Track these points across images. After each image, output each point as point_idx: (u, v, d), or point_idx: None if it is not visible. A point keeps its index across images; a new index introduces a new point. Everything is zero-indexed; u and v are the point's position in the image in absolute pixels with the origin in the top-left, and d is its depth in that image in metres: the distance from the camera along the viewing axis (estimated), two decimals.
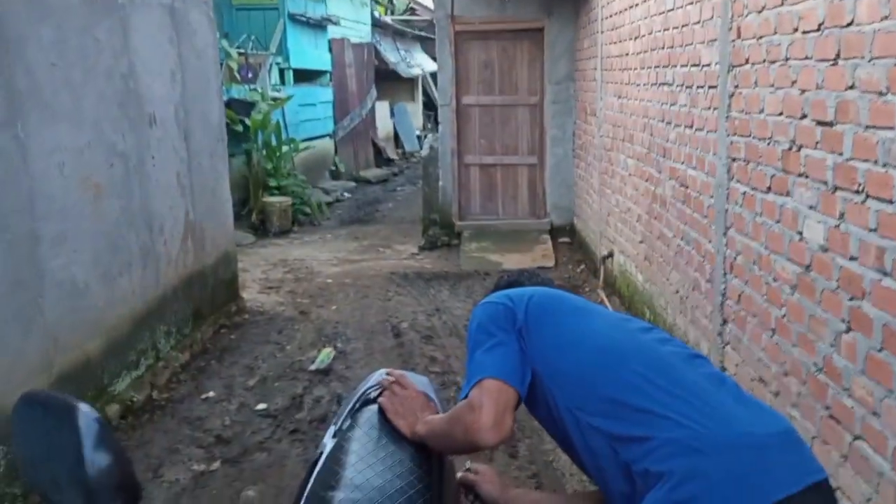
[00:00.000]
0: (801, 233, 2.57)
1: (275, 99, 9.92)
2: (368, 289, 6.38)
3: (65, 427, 0.99)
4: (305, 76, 12.12)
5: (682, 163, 3.94)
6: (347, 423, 1.54)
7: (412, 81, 18.02)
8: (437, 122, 8.56)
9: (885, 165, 2.05)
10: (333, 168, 13.10)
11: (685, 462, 1.19)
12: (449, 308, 5.75)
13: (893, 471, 2.00)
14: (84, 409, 1.00)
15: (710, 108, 3.49)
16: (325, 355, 4.64)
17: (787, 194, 2.67)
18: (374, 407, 1.59)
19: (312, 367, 4.56)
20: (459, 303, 5.84)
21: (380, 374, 1.85)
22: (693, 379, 1.32)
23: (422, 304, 5.88)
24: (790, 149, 2.64)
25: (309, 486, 1.35)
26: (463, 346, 4.93)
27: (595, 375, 1.36)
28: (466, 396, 1.41)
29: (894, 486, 1.98)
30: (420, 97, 18.83)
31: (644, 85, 4.72)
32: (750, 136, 3.00)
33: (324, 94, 12.81)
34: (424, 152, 8.25)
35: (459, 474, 1.63)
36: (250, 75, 9.72)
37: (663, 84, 4.28)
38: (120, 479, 0.98)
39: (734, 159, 3.19)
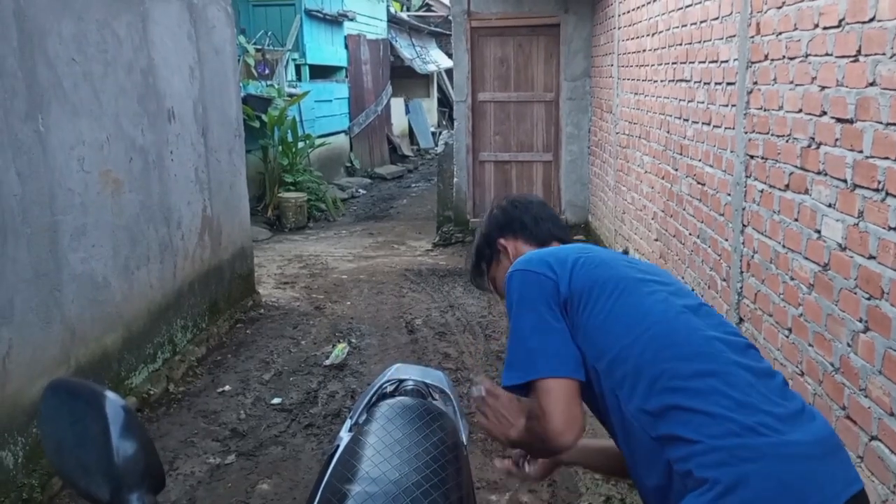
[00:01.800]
0: (819, 231, 2.55)
1: (291, 95, 9.97)
2: (383, 285, 6.40)
3: (92, 414, 1.01)
4: (321, 72, 12.16)
5: (700, 160, 3.92)
6: (364, 417, 1.55)
7: (427, 78, 18.04)
8: (452, 119, 8.56)
9: None
10: (349, 164, 13.15)
11: (732, 471, 1.17)
12: (462, 304, 5.76)
13: None
14: (111, 396, 1.01)
15: (728, 104, 3.47)
16: (340, 350, 4.66)
17: (806, 192, 2.65)
18: (391, 401, 1.59)
19: (327, 362, 4.58)
20: (473, 299, 5.85)
21: (395, 370, 1.86)
22: (744, 377, 1.27)
23: (436, 301, 5.89)
24: (809, 146, 2.62)
25: (325, 478, 1.36)
26: (476, 343, 4.95)
27: (646, 366, 1.29)
28: (518, 387, 1.35)
29: None
30: (435, 94, 18.84)
31: (661, 81, 4.69)
32: (768, 133, 2.98)
33: (339, 90, 12.85)
34: (439, 149, 8.25)
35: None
36: (267, 71, 9.78)
37: (681, 80, 4.26)
38: (145, 465, 1.00)
39: (752, 156, 3.17)
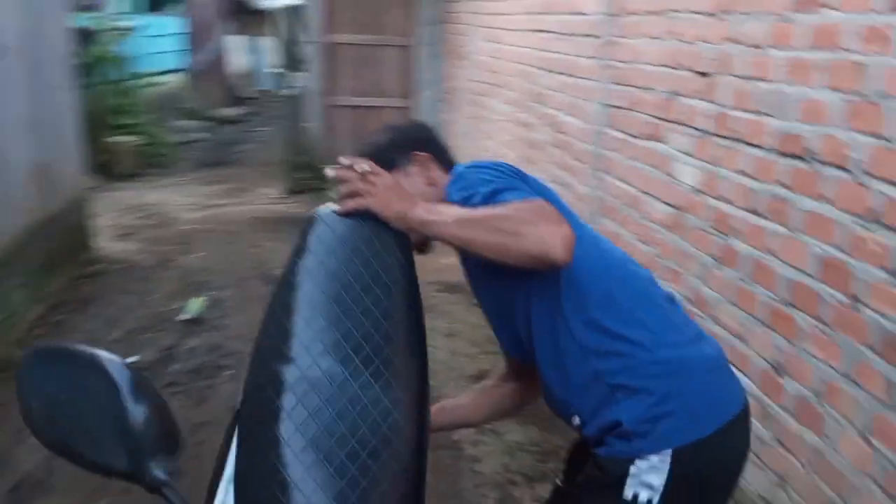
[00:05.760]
0: (673, 176, 2.75)
1: (118, 29, 9.09)
2: (235, 234, 6.14)
3: (93, 379, 0.93)
4: (156, 5, 11.17)
5: (560, 110, 4.06)
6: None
7: (271, 16, 17.11)
8: (299, 60, 8.23)
9: (757, 113, 2.23)
10: (186, 106, 12.29)
11: (667, 382, 1.29)
12: None
13: (760, 389, 2.25)
14: (108, 356, 0.93)
15: (590, 56, 3.60)
16: (200, 305, 4.44)
17: (663, 141, 2.83)
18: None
19: (182, 317, 4.36)
20: None
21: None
22: (659, 301, 1.38)
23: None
24: (668, 98, 2.79)
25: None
26: None
27: (586, 284, 1.32)
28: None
29: (760, 403, 2.23)
30: (282, 33, 17.94)
31: (520, 31, 4.77)
32: (629, 84, 3.14)
33: (174, 25, 11.89)
34: (287, 91, 7.93)
35: None
36: (95, 2, 8.82)
37: (541, 31, 4.35)
38: (162, 427, 0.93)
39: (612, 107, 3.33)
